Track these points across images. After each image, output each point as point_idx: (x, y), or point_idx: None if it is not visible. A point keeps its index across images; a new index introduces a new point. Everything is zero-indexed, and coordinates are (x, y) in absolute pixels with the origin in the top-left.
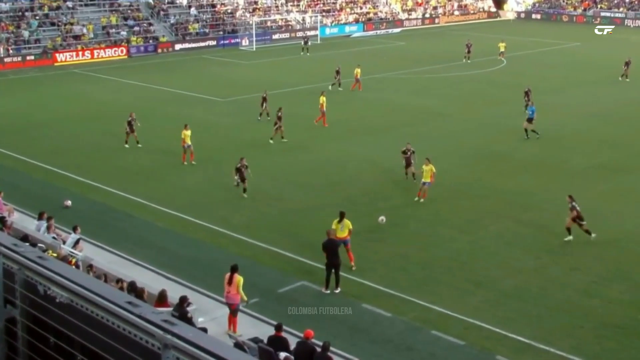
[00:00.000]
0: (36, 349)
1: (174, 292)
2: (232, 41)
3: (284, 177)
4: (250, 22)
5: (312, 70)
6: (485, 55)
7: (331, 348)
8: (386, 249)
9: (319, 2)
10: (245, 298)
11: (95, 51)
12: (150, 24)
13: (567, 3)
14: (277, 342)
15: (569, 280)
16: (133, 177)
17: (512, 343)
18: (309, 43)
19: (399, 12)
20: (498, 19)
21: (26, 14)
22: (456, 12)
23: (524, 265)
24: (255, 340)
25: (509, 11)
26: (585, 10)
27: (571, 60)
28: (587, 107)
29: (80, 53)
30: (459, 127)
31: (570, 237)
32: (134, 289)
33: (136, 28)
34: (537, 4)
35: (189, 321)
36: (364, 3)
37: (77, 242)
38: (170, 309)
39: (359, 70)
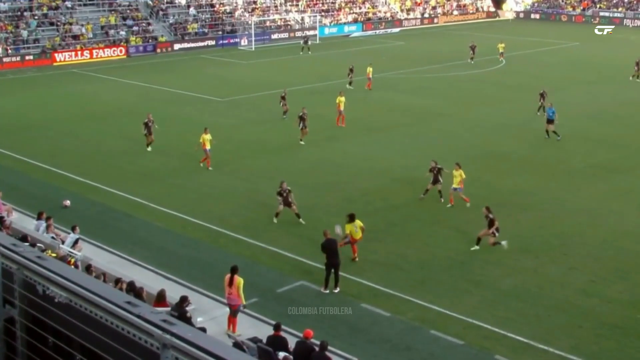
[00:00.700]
0: (35, 349)
1: (174, 292)
2: (231, 41)
3: (282, 177)
4: (249, 22)
5: (312, 70)
6: (485, 55)
7: (330, 348)
8: (385, 249)
9: (318, 1)
10: (244, 302)
11: (94, 51)
12: (149, 24)
13: (566, 3)
14: (276, 342)
15: (568, 280)
16: (132, 177)
17: (511, 343)
18: (310, 42)
19: (397, 12)
20: (497, 18)
21: (25, 13)
22: (455, 12)
23: (523, 265)
24: (255, 340)
25: (508, 11)
26: (584, 10)
27: (570, 60)
28: (586, 106)
29: (79, 53)
30: (458, 127)
31: (477, 247)
32: (133, 289)
33: (135, 28)
34: (536, 4)
35: (188, 321)
36: (363, 3)
37: (76, 242)
38: (169, 308)
39: (370, 69)
